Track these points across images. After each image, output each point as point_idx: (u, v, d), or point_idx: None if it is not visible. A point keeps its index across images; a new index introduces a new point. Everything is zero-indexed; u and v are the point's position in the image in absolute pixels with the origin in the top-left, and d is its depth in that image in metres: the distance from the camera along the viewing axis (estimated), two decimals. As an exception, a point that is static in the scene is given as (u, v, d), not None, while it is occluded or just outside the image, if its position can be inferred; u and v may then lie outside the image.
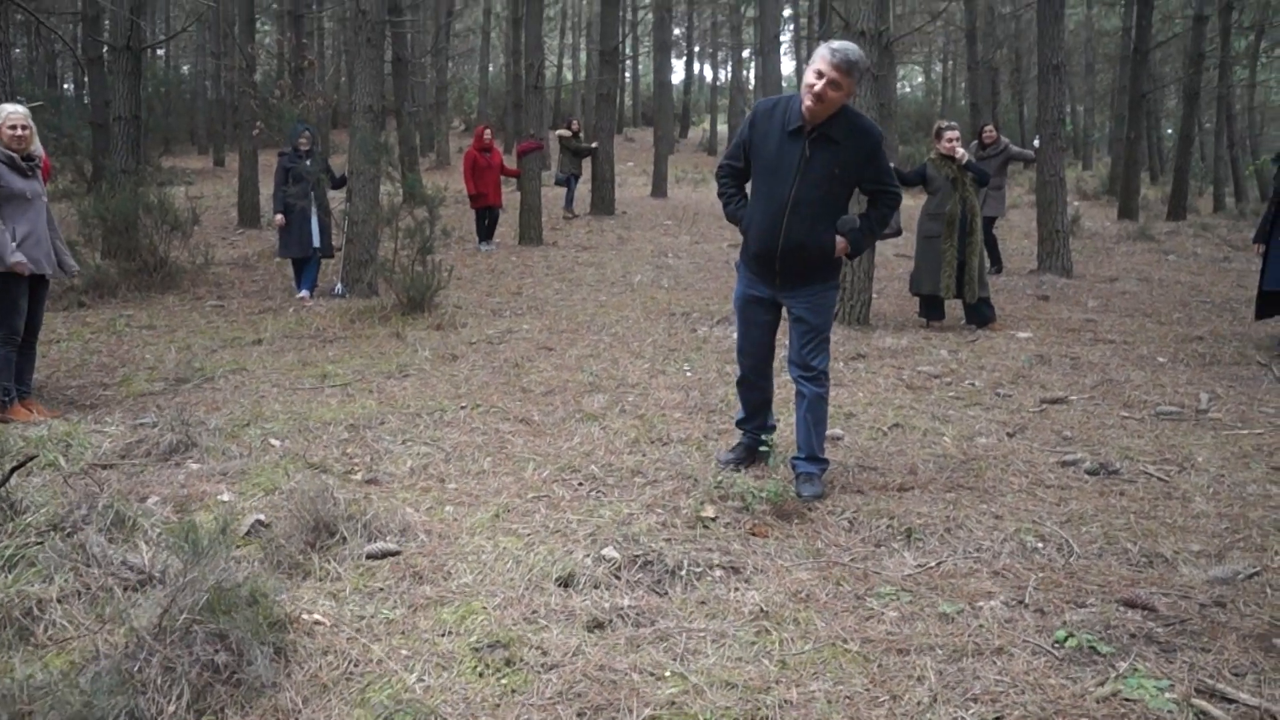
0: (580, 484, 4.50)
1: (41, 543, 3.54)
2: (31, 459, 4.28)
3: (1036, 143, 11.90)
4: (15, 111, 5.70)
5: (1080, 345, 7.56)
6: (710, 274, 11.68)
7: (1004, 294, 9.92)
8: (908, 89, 48.94)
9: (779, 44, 13.71)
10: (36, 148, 5.77)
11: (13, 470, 3.93)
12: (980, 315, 8.27)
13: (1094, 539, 3.73)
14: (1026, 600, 3.21)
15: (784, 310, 4.41)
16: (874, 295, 8.64)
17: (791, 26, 35.51)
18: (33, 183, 5.70)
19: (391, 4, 16.07)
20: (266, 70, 26.16)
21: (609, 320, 8.72)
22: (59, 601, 3.15)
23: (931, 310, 8.47)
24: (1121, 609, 3.13)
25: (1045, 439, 5.13)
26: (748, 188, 4.43)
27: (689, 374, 6.75)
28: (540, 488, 4.43)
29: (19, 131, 5.64)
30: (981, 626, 3.03)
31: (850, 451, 4.92)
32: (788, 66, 39.06)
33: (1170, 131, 34.66)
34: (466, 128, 38.17)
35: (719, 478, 4.31)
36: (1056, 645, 2.90)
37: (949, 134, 8.32)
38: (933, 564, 3.52)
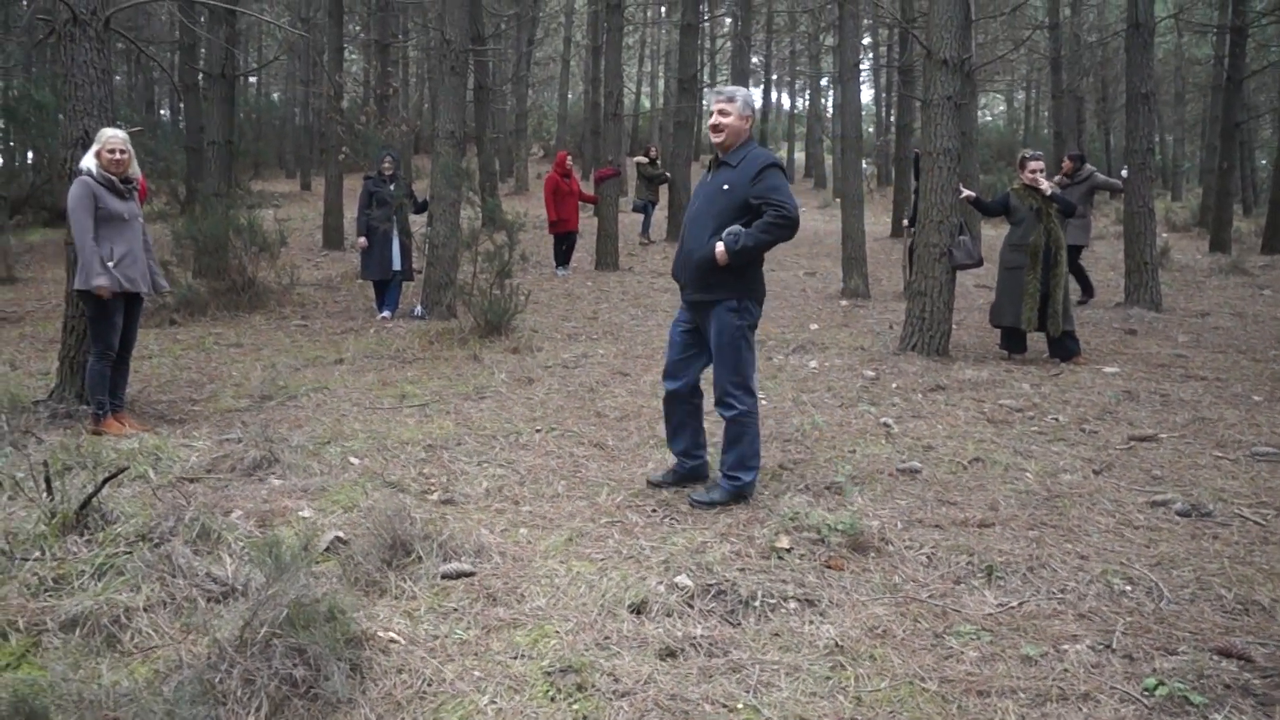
0: (653, 510, 4.48)
1: (130, 553, 3.65)
2: (122, 471, 4.42)
3: (1124, 172, 11.62)
4: (115, 136, 5.93)
5: (1170, 381, 7.32)
6: (785, 301, 11.62)
7: (1089, 327, 9.68)
8: (989, 117, 48.27)
9: (858, 72, 13.61)
10: (134, 170, 6.00)
11: (104, 481, 4.07)
12: (1064, 349, 8.06)
13: (1185, 583, 3.59)
14: (1114, 645, 3.09)
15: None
16: (954, 326, 8.49)
17: (871, 55, 35.32)
18: (130, 204, 5.93)
19: (474, 33, 16.39)
20: (353, 97, 26.89)
21: (683, 346, 8.68)
22: (145, 610, 3.24)
23: (1013, 342, 8.29)
24: (1215, 658, 3.01)
25: (1133, 478, 4.96)
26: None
27: (764, 402, 6.68)
28: (614, 513, 4.43)
29: (118, 155, 5.87)
30: (1066, 671, 2.93)
31: (929, 485, 4.82)
32: (867, 95, 38.88)
33: (1265, 162, 33.56)
34: (545, 154, 38.67)
35: (794, 509, 4.26)
36: (1146, 693, 2.79)
37: (1033, 164, 8.17)
38: (1015, 604, 3.43)
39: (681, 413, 4.76)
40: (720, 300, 4.47)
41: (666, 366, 4.76)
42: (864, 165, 17.12)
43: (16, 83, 24.88)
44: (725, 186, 4.45)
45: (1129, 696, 2.77)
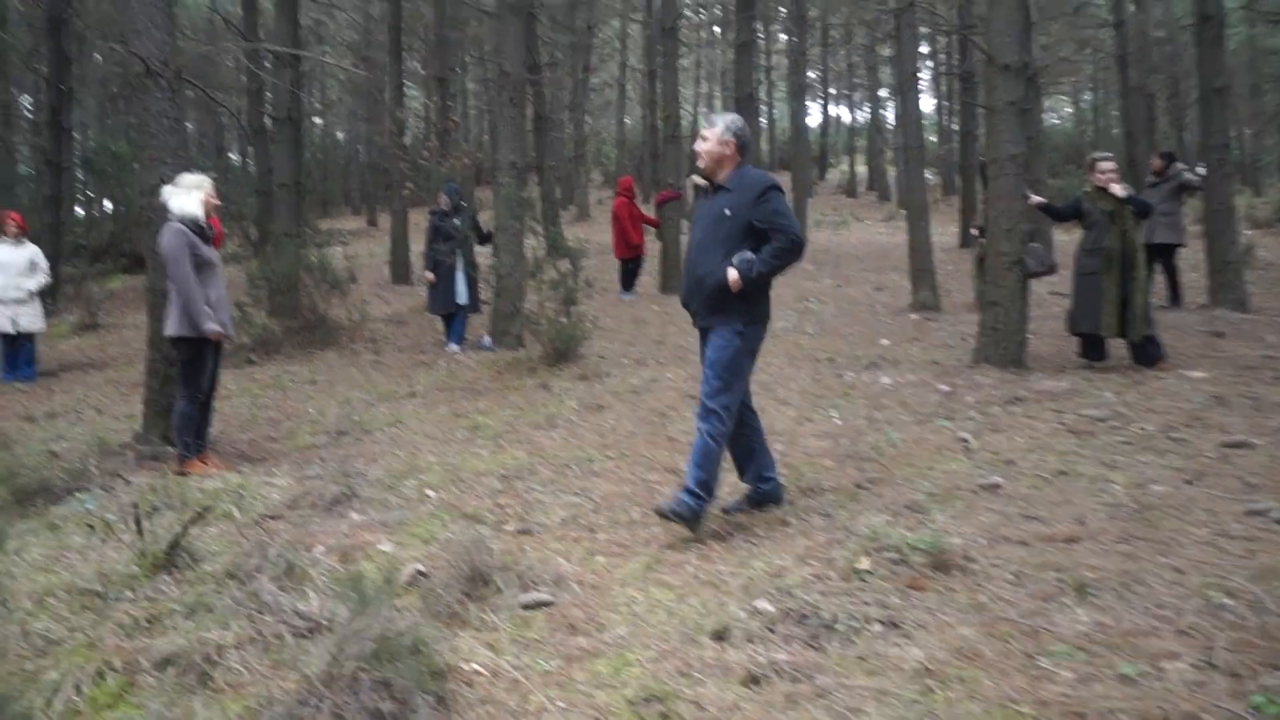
0: (730, 534, 4.47)
1: (219, 591, 3.75)
2: (208, 510, 4.55)
3: (1201, 169, 11.33)
4: (210, 181, 6.13)
5: (1261, 384, 7.08)
6: (854, 318, 11.52)
7: (1172, 331, 9.42)
8: (1055, 120, 47.42)
9: (918, 82, 13.51)
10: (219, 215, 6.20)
11: (193, 520, 4.20)
12: (1147, 354, 7.86)
13: (1290, 595, 3.46)
14: (1216, 662, 2.99)
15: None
16: (1029, 336, 8.33)
17: (930, 64, 35.02)
18: (213, 250, 6.12)
19: (531, 63, 16.64)
20: (414, 133, 27.44)
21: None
22: (235, 648, 3.32)
23: (1092, 350, 8.10)
24: (1326, 673, 2.89)
25: (1228, 486, 4.81)
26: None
27: (837, 421, 6.64)
28: (690, 538, 4.42)
29: (216, 199, 6.08)
30: (1168, 690, 2.84)
31: (1012, 500, 4.73)
32: (928, 104, 38.51)
33: (1350, 152, 32.42)
34: (606, 180, 38.98)
35: (873, 528, 4.21)
36: (1253, 711, 2.70)
37: (1103, 165, 8.01)
38: (1109, 621, 3.34)
39: (742, 440, 4.74)
40: (729, 323, 4.51)
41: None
42: (928, 175, 16.95)
43: (93, 135, 25.92)
44: (727, 211, 4.50)
45: (1235, 715, 2.68)
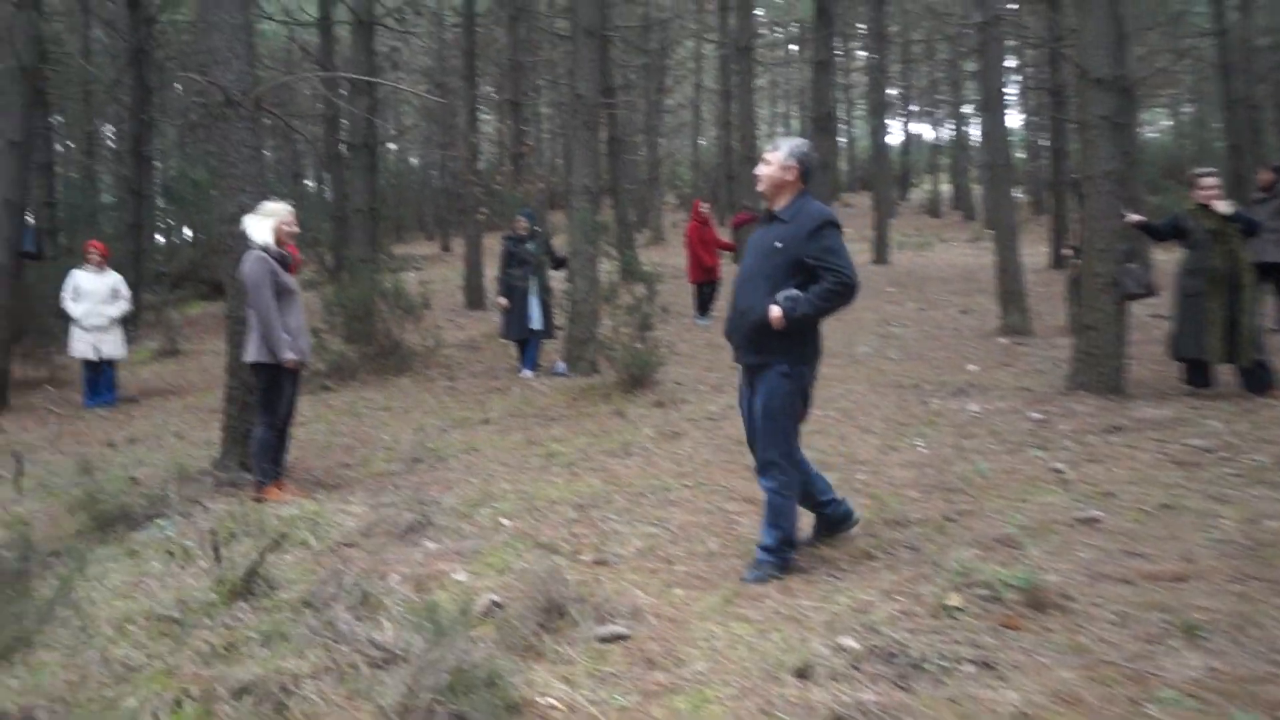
0: (812, 567, 4.41)
1: (295, 619, 3.82)
2: (284, 538, 4.65)
3: (1313, 184, 10.91)
4: (290, 210, 6.31)
5: (1383, 412, 6.78)
6: (940, 343, 11.34)
7: (1282, 355, 9.07)
8: (1154, 134, 46.29)
9: (1004, 98, 13.32)
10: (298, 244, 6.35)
11: (269, 548, 4.29)
12: (1257, 381, 7.58)
13: None
14: (1342, 711, 2.85)
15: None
16: (1128, 361, 8.10)
17: (1018, 79, 34.50)
18: (293, 278, 6.28)
19: (604, 85, 16.83)
20: (488, 157, 27.89)
21: (834, 394, 8.58)
22: (312, 678, 3.37)
23: (1197, 376, 7.84)
24: None
25: (1349, 522, 4.60)
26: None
27: (923, 450, 6.53)
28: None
29: (295, 227, 6.25)
30: (1288, 740, 2.71)
31: (1112, 535, 4.58)
32: (1015, 120, 37.89)
33: None
34: (680, 203, 39.11)
35: (963, 563, 4.11)
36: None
37: (1205, 181, 7.79)
38: (1222, 666, 3.20)
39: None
40: (773, 363, 4.34)
41: (749, 440, 4.56)
42: (1016, 193, 16.65)
43: (173, 163, 26.91)
44: (778, 243, 4.33)
45: (1365, 771, 2.55)
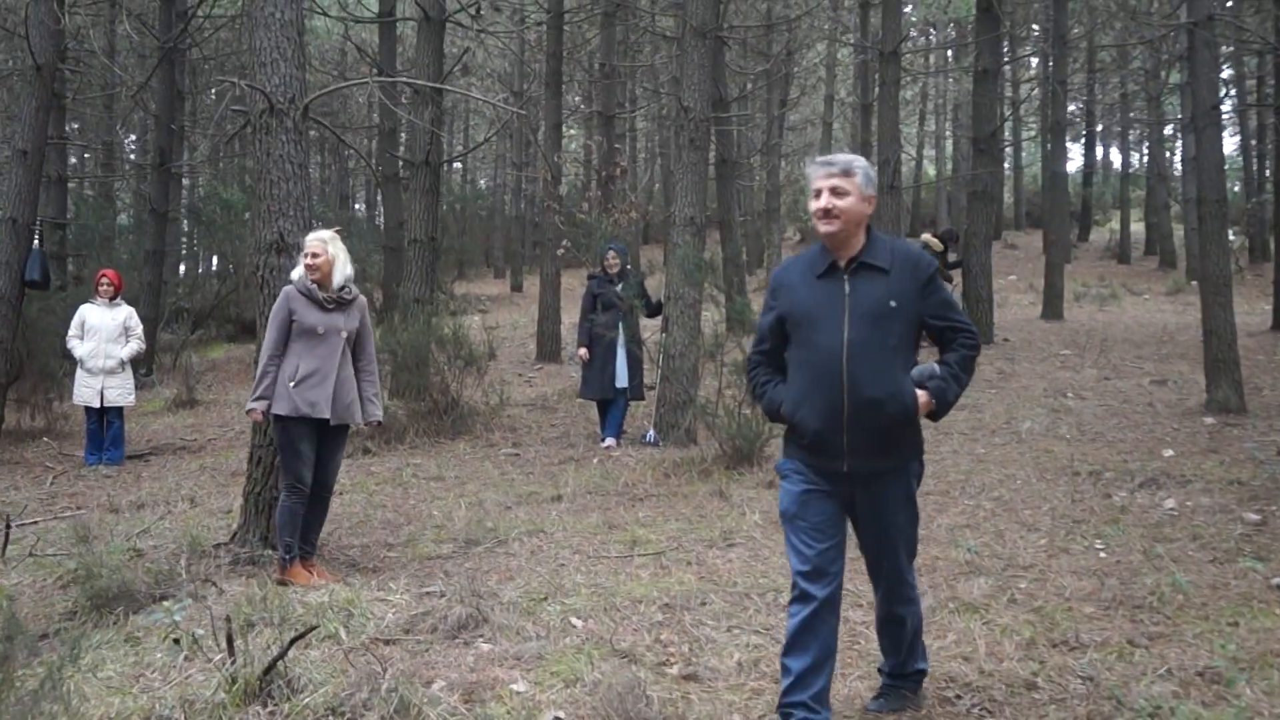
0: (958, 697, 4.34)
1: (320, 729, 3.86)
2: (311, 630, 4.73)
3: None
4: (312, 237, 6.51)
5: None
6: (1126, 419, 11.08)
7: None
8: None
9: (1219, 115, 13.08)
10: (336, 279, 6.46)
11: (292, 642, 4.36)
12: None
13: None
14: None
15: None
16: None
17: (1234, 92, 33.88)
18: (332, 317, 6.41)
19: (717, 97, 17.06)
20: (572, 181, 28.38)
21: (989, 480, 8.44)
22: (336, 801, 3.40)
23: None
24: None
25: None
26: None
27: (1102, 554, 6.40)
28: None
29: (308, 259, 6.42)
30: None
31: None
32: (1229, 144, 37.10)
33: None
34: (803, 238, 39.16)
35: (1154, 700, 3.98)
36: None
37: None
38: None
39: (831, 629, 4.05)
40: (906, 464, 4.10)
41: (810, 563, 4.02)
42: (1230, 236, 16.24)
43: (203, 181, 28.05)
44: (893, 303, 3.95)
45: None
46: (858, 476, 4.03)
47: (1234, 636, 4.89)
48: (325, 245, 6.45)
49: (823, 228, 4.00)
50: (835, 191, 3.99)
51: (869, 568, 4.25)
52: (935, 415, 4.02)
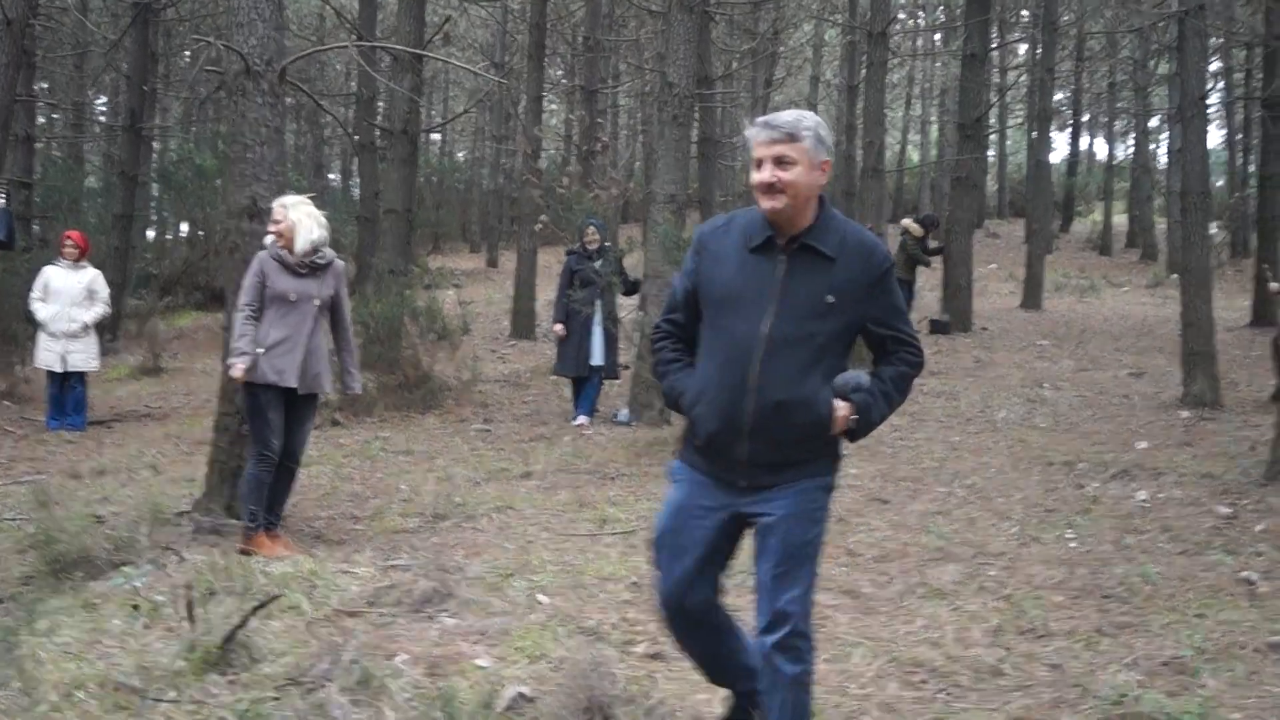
0: (923, 682, 4.37)
1: (279, 698, 3.87)
2: (273, 600, 4.72)
3: None
4: (276, 203, 6.46)
5: None
6: (1102, 411, 11.16)
7: None
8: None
9: (1205, 107, 13.15)
10: (301, 244, 6.35)
11: (253, 611, 4.36)
12: None
13: None
14: None
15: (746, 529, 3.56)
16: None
17: (1221, 84, 34.02)
18: (305, 283, 6.38)
19: (701, 74, 17.02)
20: (552, 155, 28.29)
21: (964, 468, 8.50)
22: (294, 772, 3.41)
23: None
24: None
25: None
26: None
27: (1073, 544, 6.46)
28: (870, 682, 4.35)
29: (272, 225, 6.39)
30: None
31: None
32: (1215, 137, 37.28)
33: None
34: (784, 220, 39.20)
35: (1119, 689, 4.03)
36: None
37: None
38: None
39: (715, 639, 3.67)
40: (815, 478, 3.46)
41: (676, 579, 3.53)
42: (1212, 230, 16.32)
43: (175, 144, 27.83)
44: (831, 299, 3.36)
45: None
46: (751, 494, 3.44)
47: (1200, 628, 4.94)
48: (285, 210, 6.38)
49: (765, 204, 3.38)
50: (780, 161, 3.36)
51: (758, 604, 3.48)
52: (854, 434, 3.44)
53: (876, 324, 3.47)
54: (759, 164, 3.40)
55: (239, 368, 6.25)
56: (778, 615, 3.37)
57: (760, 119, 3.47)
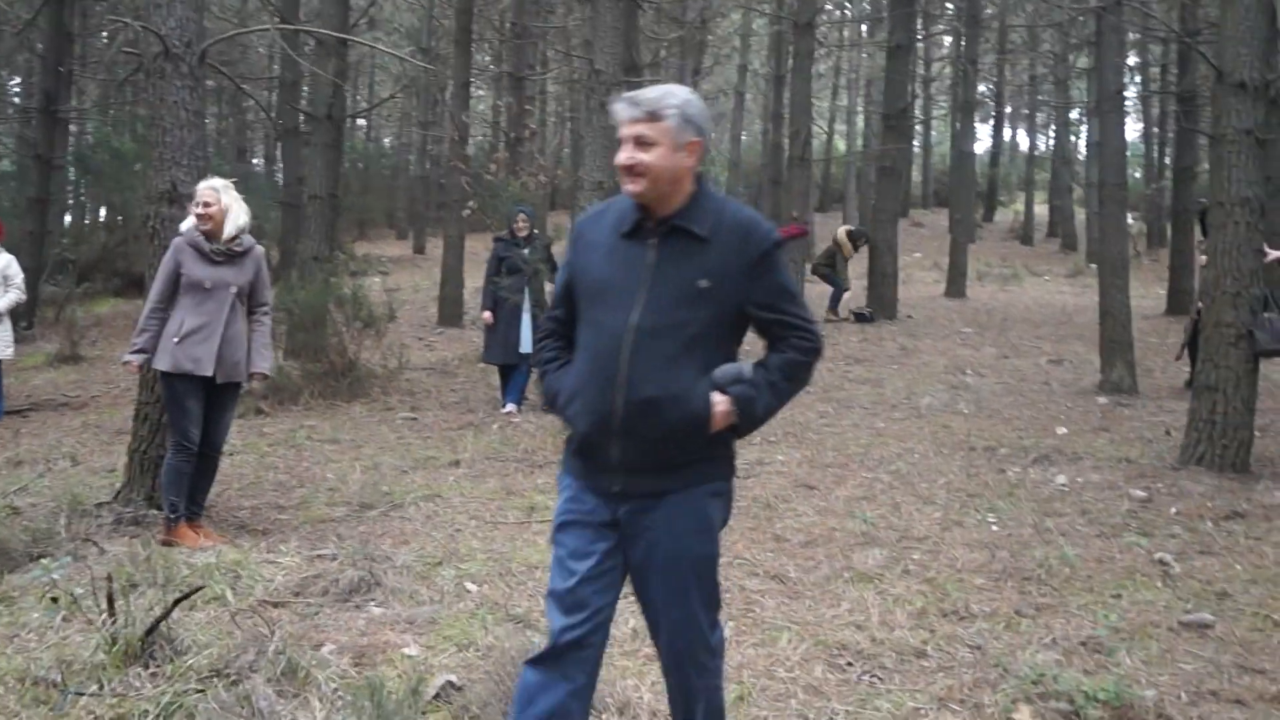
0: (849, 664, 4.42)
1: (203, 690, 3.83)
2: (196, 591, 4.66)
3: None
4: (203, 186, 6.32)
5: None
6: (1023, 397, 11.35)
7: None
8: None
9: (1122, 101, 13.39)
10: (231, 228, 6.26)
11: (176, 602, 4.30)
12: None
13: None
14: None
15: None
16: (1257, 433, 8.09)
17: (1138, 79, 34.69)
18: (221, 271, 6.26)
19: (629, 62, 17.00)
20: (480, 142, 28.10)
21: (888, 453, 8.59)
22: (218, 763, 3.38)
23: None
24: None
25: None
26: None
27: (994, 528, 6.54)
28: (796, 665, 4.38)
29: (200, 208, 6.25)
30: None
31: (1225, 645, 4.58)
32: (1132, 130, 38.00)
33: None
34: (713, 208, 39.28)
35: (1037, 668, 4.11)
36: None
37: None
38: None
39: (577, 686, 3.12)
40: (700, 484, 3.15)
41: (559, 597, 3.15)
42: (1129, 221, 16.68)
43: (92, 127, 27.24)
44: (704, 283, 3.08)
45: None
46: (633, 500, 3.13)
47: (1116, 608, 5.05)
48: (218, 194, 6.26)
49: (626, 187, 3.14)
50: (640, 141, 3.11)
51: (650, 628, 3.26)
52: (738, 430, 3.14)
53: (760, 308, 3.16)
54: (621, 144, 3.17)
55: (134, 365, 6.24)
56: (685, 639, 3.11)
57: (625, 95, 3.21)
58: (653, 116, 3.09)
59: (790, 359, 3.15)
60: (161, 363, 6.13)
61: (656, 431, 3.04)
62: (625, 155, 3.10)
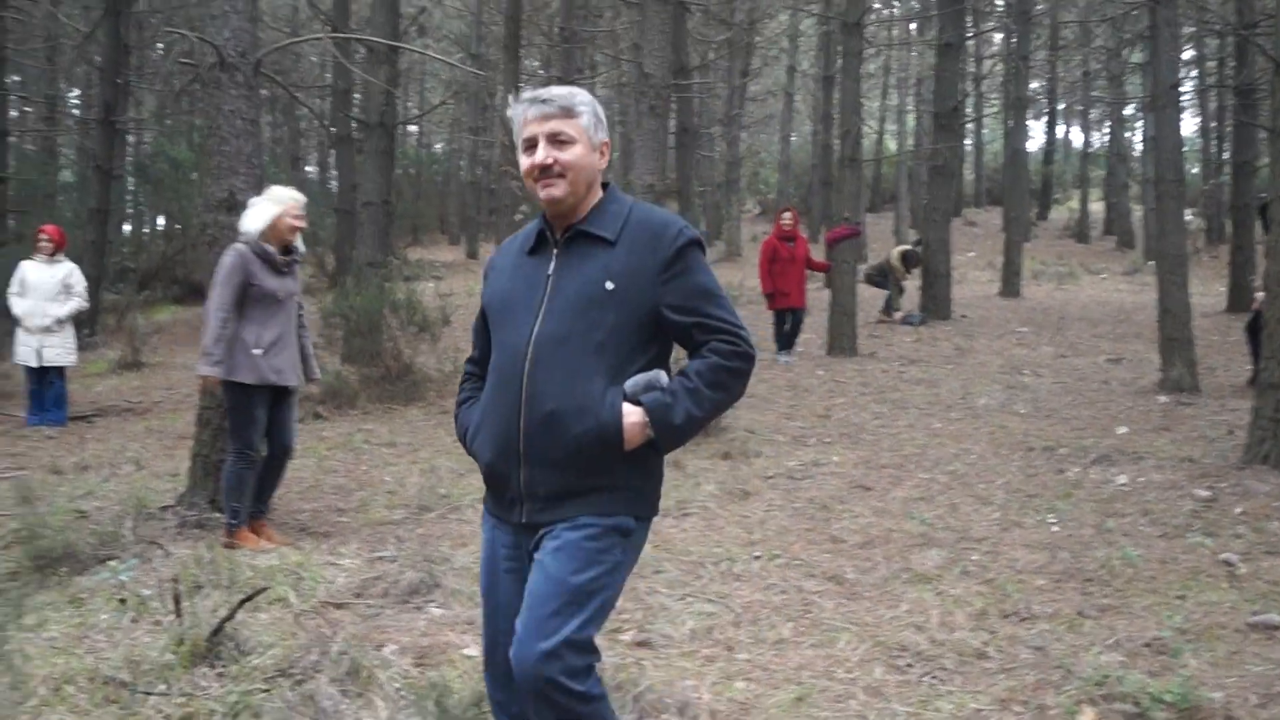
0: (909, 666, 4.40)
1: (268, 690, 3.88)
2: (260, 592, 4.72)
3: None
4: (297, 197, 6.38)
5: None
6: (1082, 397, 11.23)
7: None
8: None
9: (1179, 96, 13.23)
10: (297, 241, 6.43)
11: (241, 603, 4.36)
12: None
13: None
14: None
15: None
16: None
17: (1195, 73, 34.24)
18: (286, 281, 6.35)
19: (678, 65, 17.02)
20: (530, 146, 28.13)
21: (945, 454, 8.54)
22: (285, 762, 3.42)
23: None
24: None
25: None
26: None
27: (1054, 528, 6.49)
28: (856, 667, 4.37)
29: (300, 221, 6.33)
30: None
31: (1293, 646, 4.51)
32: (1189, 125, 37.50)
33: None
34: (763, 210, 39.28)
35: (1101, 670, 4.07)
36: None
37: None
38: None
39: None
40: (608, 512, 2.86)
41: (493, 641, 3.03)
42: (1188, 217, 16.47)
43: (150, 137, 27.67)
44: (610, 285, 2.86)
45: None
46: (533, 532, 2.91)
47: (1181, 609, 4.99)
48: (299, 206, 6.35)
49: (544, 193, 2.91)
50: (556, 140, 2.91)
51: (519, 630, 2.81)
52: (657, 445, 2.87)
53: (676, 311, 2.89)
54: (530, 144, 2.94)
55: (215, 379, 6.10)
56: (551, 655, 2.69)
57: (527, 93, 2.99)
58: (568, 113, 2.92)
59: (712, 363, 2.87)
60: (244, 375, 6.11)
61: (560, 450, 2.81)
62: (543, 154, 2.90)
